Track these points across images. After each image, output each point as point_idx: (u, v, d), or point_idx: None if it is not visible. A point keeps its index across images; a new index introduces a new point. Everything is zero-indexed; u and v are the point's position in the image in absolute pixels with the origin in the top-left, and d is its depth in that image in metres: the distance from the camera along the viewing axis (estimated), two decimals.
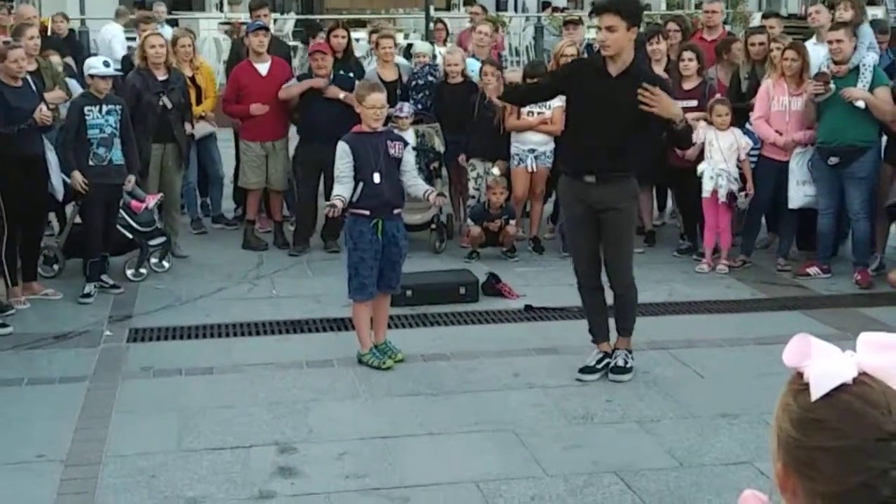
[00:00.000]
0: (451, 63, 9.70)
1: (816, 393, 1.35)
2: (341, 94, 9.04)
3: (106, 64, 8.22)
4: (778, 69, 8.66)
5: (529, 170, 9.43)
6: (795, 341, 1.41)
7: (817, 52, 8.92)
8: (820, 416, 1.34)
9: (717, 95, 8.99)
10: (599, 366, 6.43)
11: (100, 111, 7.99)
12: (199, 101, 9.79)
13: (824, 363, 1.36)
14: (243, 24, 12.80)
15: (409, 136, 8.83)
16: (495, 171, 9.31)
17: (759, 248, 9.38)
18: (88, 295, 7.99)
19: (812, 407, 1.35)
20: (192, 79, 9.71)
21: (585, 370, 6.42)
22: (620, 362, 6.40)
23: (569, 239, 6.61)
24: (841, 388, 1.34)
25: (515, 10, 28.52)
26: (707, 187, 8.75)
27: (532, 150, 9.39)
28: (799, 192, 8.62)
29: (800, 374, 1.40)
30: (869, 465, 1.30)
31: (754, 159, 8.89)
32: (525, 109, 9.20)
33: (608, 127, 5.93)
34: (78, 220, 8.46)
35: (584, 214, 6.27)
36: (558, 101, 9.36)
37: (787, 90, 8.59)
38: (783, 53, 8.62)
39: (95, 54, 13.09)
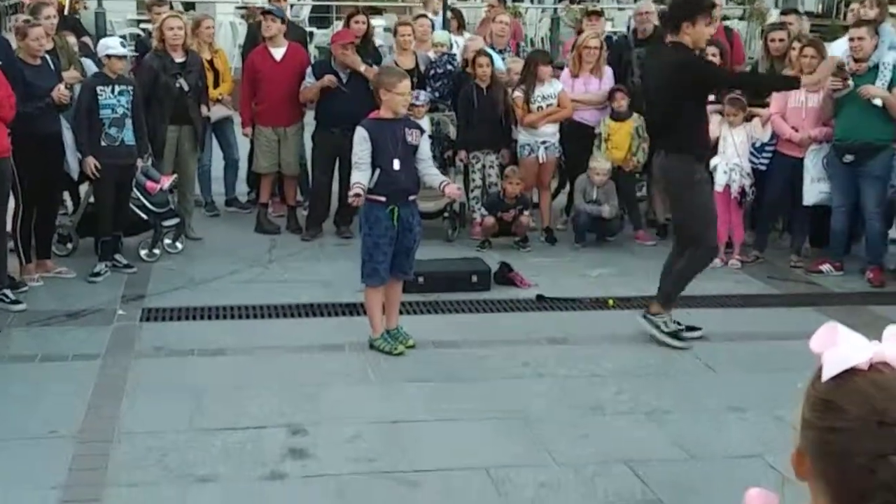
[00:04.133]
0: (472, 49, 9.69)
1: (826, 374, 1.39)
2: (361, 67, 9.06)
3: (122, 44, 8.24)
4: (796, 66, 8.63)
5: (541, 160, 9.45)
6: (823, 329, 1.43)
7: (838, 49, 8.89)
8: (830, 397, 1.38)
9: (736, 92, 8.96)
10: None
11: (112, 91, 8.00)
12: (216, 85, 9.82)
13: (839, 349, 1.39)
14: (259, 8, 12.78)
15: (425, 124, 8.83)
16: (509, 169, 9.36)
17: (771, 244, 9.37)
18: (98, 274, 8.02)
19: (824, 389, 1.39)
20: (211, 62, 9.74)
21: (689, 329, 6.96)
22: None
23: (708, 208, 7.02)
24: (854, 372, 1.37)
25: (532, 0, 28.44)
26: (720, 181, 8.74)
27: (544, 142, 9.43)
28: (813, 189, 8.60)
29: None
30: (869, 448, 1.32)
31: (769, 156, 8.88)
32: (535, 103, 9.28)
33: None
34: (92, 199, 8.49)
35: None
36: (560, 85, 9.45)
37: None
38: (802, 50, 8.58)
39: (111, 35, 13.12)
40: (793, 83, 7.61)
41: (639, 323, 6.89)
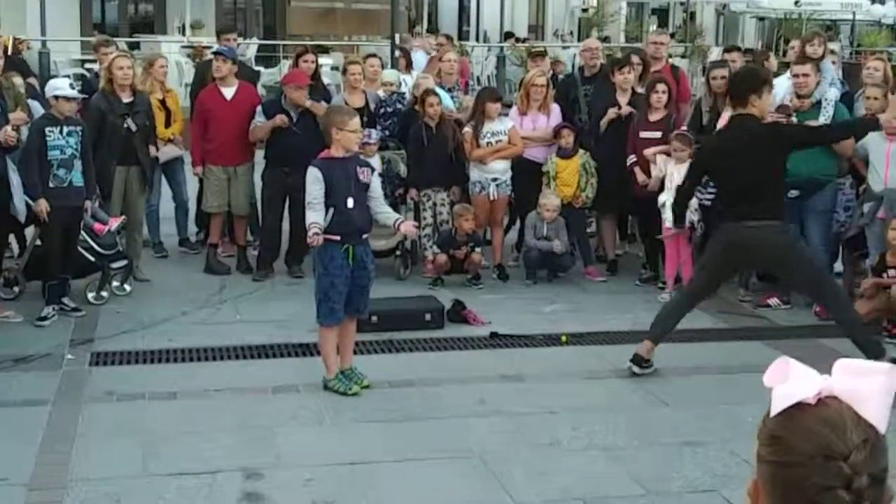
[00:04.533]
0: (422, 88, 9.71)
1: (774, 410, 1.42)
2: (307, 103, 9.06)
3: (71, 86, 8.18)
4: None
5: (491, 198, 9.51)
6: (775, 364, 1.46)
7: (780, 86, 9.06)
8: (778, 432, 1.41)
9: (683, 128, 9.10)
10: None
11: (61, 132, 7.92)
12: (168, 124, 9.76)
13: (786, 385, 1.42)
14: (206, 47, 12.78)
15: (375, 162, 8.85)
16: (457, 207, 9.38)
17: None
18: (45, 318, 7.89)
19: (773, 425, 1.42)
20: (163, 101, 9.69)
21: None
22: None
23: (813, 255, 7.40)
24: (801, 407, 1.39)
25: (477, 39, 28.73)
26: (668, 217, 8.82)
27: (494, 179, 9.49)
28: None
29: None
30: (815, 482, 1.35)
31: (715, 191, 8.97)
32: (483, 139, 9.36)
33: None
34: (39, 242, 8.37)
35: None
36: (510, 122, 9.55)
37: None
38: None
39: (55, 76, 13.01)
40: (873, 125, 7.63)
41: None
